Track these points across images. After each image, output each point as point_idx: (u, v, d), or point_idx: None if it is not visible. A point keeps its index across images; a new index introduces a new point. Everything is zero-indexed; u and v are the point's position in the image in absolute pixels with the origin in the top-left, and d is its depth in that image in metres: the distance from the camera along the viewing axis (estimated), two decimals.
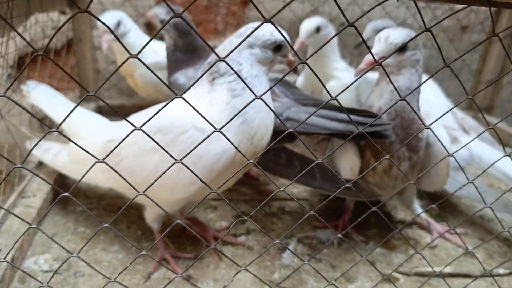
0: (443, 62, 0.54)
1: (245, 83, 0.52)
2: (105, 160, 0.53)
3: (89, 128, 0.96)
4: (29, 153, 0.52)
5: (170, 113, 0.74)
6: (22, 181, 1.06)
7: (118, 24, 1.26)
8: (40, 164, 1.13)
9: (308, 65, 0.49)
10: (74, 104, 1.10)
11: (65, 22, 0.43)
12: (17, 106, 1.13)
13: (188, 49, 1.12)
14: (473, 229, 1.14)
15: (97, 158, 0.51)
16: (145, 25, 1.68)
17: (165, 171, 0.55)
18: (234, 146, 0.57)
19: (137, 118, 0.84)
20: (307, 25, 1.28)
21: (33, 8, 1.04)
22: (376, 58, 0.81)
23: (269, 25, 0.79)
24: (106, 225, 0.55)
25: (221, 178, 0.76)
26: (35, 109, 1.26)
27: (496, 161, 0.80)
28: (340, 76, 1.36)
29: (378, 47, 0.85)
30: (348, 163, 0.95)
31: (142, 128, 0.52)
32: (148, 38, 1.40)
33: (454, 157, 0.61)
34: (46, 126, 0.48)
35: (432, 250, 1.05)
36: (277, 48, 0.78)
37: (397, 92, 0.58)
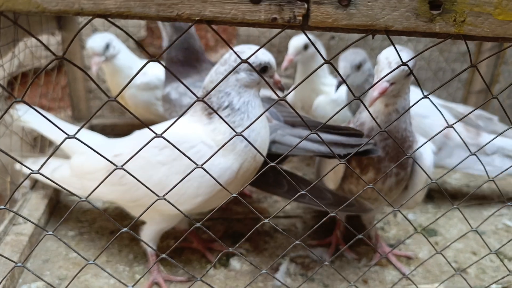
0: (432, 74, 0.54)
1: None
2: (111, 174, 0.55)
3: (90, 143, 0.96)
4: (27, 177, 0.52)
5: (178, 130, 0.78)
6: (13, 207, 1.06)
7: (107, 47, 1.26)
8: (33, 187, 1.13)
9: (286, 102, 0.50)
10: (66, 123, 1.11)
11: (44, 67, 0.44)
12: (5, 129, 1.13)
13: (185, 54, 1.12)
14: (466, 244, 1.14)
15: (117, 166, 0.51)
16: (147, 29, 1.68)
17: (183, 177, 0.58)
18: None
19: (143, 134, 0.88)
20: (295, 42, 1.29)
21: (21, 34, 1.04)
22: (388, 84, 0.77)
23: (252, 47, 0.81)
24: (125, 229, 0.55)
25: (223, 193, 0.80)
26: (25, 132, 1.26)
27: None
28: (328, 91, 1.36)
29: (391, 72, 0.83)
30: (330, 174, 0.96)
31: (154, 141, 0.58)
32: (137, 59, 1.41)
33: (436, 183, 0.62)
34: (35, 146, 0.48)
35: (425, 266, 1.05)
36: (263, 70, 0.80)
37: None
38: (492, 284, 0.97)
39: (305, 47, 1.29)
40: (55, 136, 1.06)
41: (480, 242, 1.15)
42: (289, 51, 1.30)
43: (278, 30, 0.44)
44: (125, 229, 0.57)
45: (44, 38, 1.35)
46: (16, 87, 1.33)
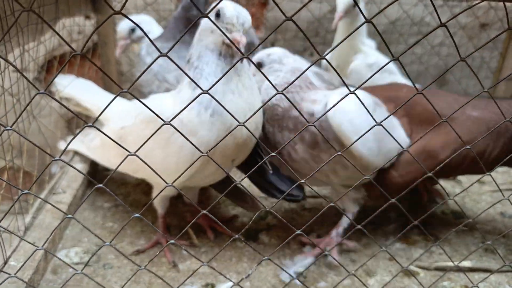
0: (459, 57, 0.55)
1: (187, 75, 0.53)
2: (117, 147, 0.57)
3: (115, 113, 0.97)
4: (66, 146, 0.55)
5: (155, 105, 0.73)
6: (52, 179, 1.10)
7: (133, 30, 1.28)
8: (71, 159, 1.18)
9: (327, 61, 0.51)
10: (106, 92, 1.14)
11: (102, 23, 0.47)
12: (45, 107, 1.18)
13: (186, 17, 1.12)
14: (493, 227, 1.14)
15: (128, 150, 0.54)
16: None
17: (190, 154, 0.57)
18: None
19: (146, 102, 0.87)
20: (345, 0, 1.30)
21: (61, 13, 1.09)
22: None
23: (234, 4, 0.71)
24: (137, 215, 0.58)
25: (209, 167, 0.77)
26: (63, 109, 1.31)
27: None
28: (366, 52, 1.36)
29: None
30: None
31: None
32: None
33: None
34: (82, 121, 0.51)
35: (452, 245, 1.05)
36: (217, 16, 0.70)
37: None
38: None
39: (354, 4, 1.30)
40: (92, 105, 1.09)
41: (508, 225, 1.14)
42: (338, 8, 1.30)
43: None
44: (137, 215, 0.59)
45: (81, 20, 1.40)
46: (54, 64, 1.38)
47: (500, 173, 1.43)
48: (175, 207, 1.13)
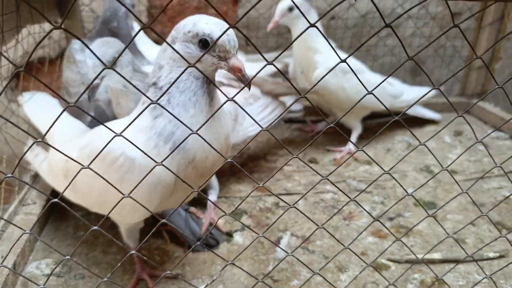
0: (433, 51, 0.56)
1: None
2: (66, 179, 0.52)
3: (65, 137, 0.93)
4: (18, 161, 0.54)
5: (103, 137, 0.64)
6: (22, 189, 1.09)
7: (291, 9, 1.32)
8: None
9: (274, 65, 0.51)
10: (63, 115, 1.12)
11: (42, 39, 0.46)
12: (15, 116, 1.16)
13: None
14: (465, 216, 1.16)
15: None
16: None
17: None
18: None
19: (92, 134, 0.79)
20: (281, 5, 1.32)
21: (24, 21, 1.07)
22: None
23: (200, 15, 0.63)
24: (95, 227, 0.57)
25: (170, 200, 0.71)
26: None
27: None
28: (323, 50, 1.37)
29: None
30: None
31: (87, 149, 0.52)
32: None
33: (435, 157, 0.63)
34: (31, 136, 0.51)
35: (424, 237, 1.07)
36: (204, 44, 0.60)
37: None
38: (487, 251, 0.99)
39: (290, 9, 1.31)
40: (42, 126, 1.04)
41: (479, 214, 1.16)
42: (275, 13, 1.33)
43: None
44: (95, 227, 0.57)
45: (46, 26, 1.38)
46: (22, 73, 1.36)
47: (473, 162, 1.46)
48: None
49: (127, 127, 0.50)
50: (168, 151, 0.63)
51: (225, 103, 0.51)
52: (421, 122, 1.74)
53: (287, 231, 1.09)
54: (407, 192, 0.65)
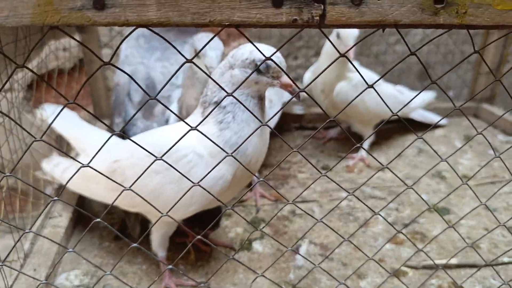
0: (441, 57, 0.59)
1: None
2: (112, 179, 0.58)
3: (95, 145, 0.99)
4: (17, 162, 0.57)
5: (171, 138, 0.72)
6: (46, 202, 1.13)
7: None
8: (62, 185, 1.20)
9: (307, 93, 0.54)
10: (87, 124, 1.16)
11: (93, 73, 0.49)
12: (33, 126, 1.20)
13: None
14: (478, 221, 1.19)
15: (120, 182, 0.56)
16: None
17: (183, 195, 0.60)
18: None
19: (141, 138, 0.87)
20: (352, 32, 1.30)
21: (47, 39, 1.10)
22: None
23: (257, 45, 0.70)
24: (135, 244, 0.61)
25: (221, 197, 0.78)
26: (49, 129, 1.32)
27: None
28: (351, 77, 1.41)
29: None
30: None
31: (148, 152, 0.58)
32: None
33: (446, 161, 0.66)
34: (55, 148, 0.54)
35: (439, 242, 1.10)
36: (259, 68, 0.71)
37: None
38: (502, 256, 1.01)
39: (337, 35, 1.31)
40: (73, 137, 1.09)
41: (492, 219, 1.19)
42: (349, 41, 1.29)
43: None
44: (134, 244, 0.62)
45: (66, 40, 1.41)
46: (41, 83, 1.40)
47: (484, 167, 1.48)
48: None
49: (201, 121, 0.60)
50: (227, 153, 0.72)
51: (260, 126, 0.55)
52: (435, 127, 1.77)
53: (305, 238, 1.11)
54: (429, 206, 0.68)
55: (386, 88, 1.51)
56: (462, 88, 1.97)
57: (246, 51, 0.72)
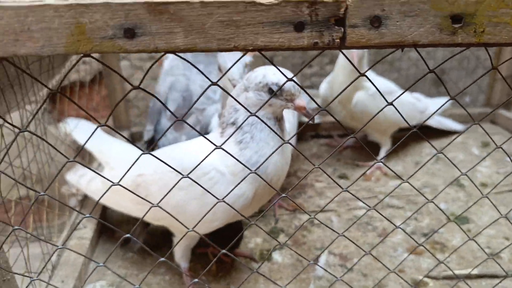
0: (456, 63, 0.60)
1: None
2: (135, 193, 0.60)
3: (119, 158, 1.03)
4: (53, 179, 0.60)
5: (193, 155, 0.80)
6: (72, 213, 1.16)
7: None
8: (86, 196, 1.23)
9: (328, 112, 0.56)
10: (110, 137, 1.20)
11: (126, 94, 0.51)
12: (55, 138, 1.23)
13: None
14: (498, 230, 1.18)
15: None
16: None
17: (208, 211, 0.62)
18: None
19: (164, 153, 0.89)
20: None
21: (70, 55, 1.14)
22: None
23: (268, 67, 0.77)
24: (163, 259, 0.63)
25: (245, 212, 0.81)
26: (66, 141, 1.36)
27: None
28: (368, 86, 1.42)
29: None
30: None
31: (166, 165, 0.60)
32: None
33: (466, 175, 0.67)
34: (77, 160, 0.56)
35: (459, 252, 1.09)
36: (271, 91, 0.73)
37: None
38: None
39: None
40: (96, 150, 1.12)
41: None
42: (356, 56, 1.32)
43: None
44: (162, 259, 0.63)
45: None
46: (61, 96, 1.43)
47: (502, 174, 1.47)
48: None
49: (227, 139, 0.61)
50: (253, 174, 0.71)
51: (282, 144, 0.57)
52: (448, 133, 1.76)
53: (323, 248, 1.12)
54: (449, 218, 0.68)
55: (403, 96, 1.52)
56: (478, 94, 1.96)
57: (260, 74, 0.74)
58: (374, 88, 1.38)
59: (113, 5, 0.43)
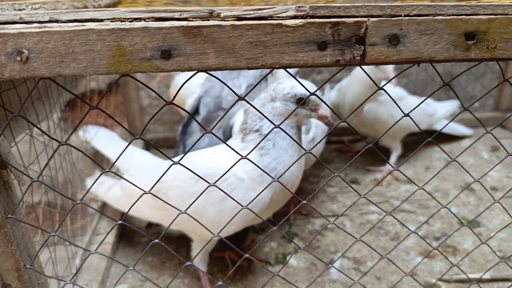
0: (465, 67, 0.62)
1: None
2: (154, 198, 0.64)
3: (139, 166, 1.07)
4: (88, 189, 0.62)
5: (212, 162, 0.85)
6: (93, 220, 1.19)
7: None
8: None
9: (348, 124, 0.59)
10: (125, 143, 1.23)
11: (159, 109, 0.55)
12: (76, 145, 1.28)
13: None
14: (509, 233, 1.20)
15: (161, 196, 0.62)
16: None
17: (234, 217, 0.66)
18: None
19: (186, 161, 0.93)
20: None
21: None
22: None
23: (294, 80, 0.81)
24: (189, 263, 0.66)
25: (256, 219, 0.87)
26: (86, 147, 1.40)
27: None
28: (382, 99, 1.44)
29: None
30: None
31: (186, 172, 0.63)
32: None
33: (478, 181, 0.69)
34: (100, 166, 0.59)
35: (470, 255, 1.12)
36: (299, 101, 0.79)
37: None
38: None
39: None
40: (114, 155, 1.17)
41: None
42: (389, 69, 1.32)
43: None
44: (188, 263, 0.67)
45: None
46: (75, 103, 1.48)
47: None
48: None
49: (253, 149, 0.62)
50: (270, 179, 0.75)
51: (303, 155, 0.60)
52: (458, 138, 1.78)
53: (338, 252, 1.15)
54: (462, 223, 0.71)
55: (413, 101, 1.54)
56: (487, 98, 1.98)
57: (288, 86, 0.80)
58: (385, 96, 1.42)
59: (151, 29, 0.46)
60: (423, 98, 1.65)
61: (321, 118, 0.81)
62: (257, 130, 0.82)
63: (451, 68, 1.94)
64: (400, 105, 1.44)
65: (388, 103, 1.43)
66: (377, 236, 1.22)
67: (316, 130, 1.14)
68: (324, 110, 0.81)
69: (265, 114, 0.79)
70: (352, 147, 1.75)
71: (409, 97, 1.56)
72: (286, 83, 0.80)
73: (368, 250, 1.15)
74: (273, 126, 0.78)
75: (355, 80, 1.46)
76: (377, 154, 1.70)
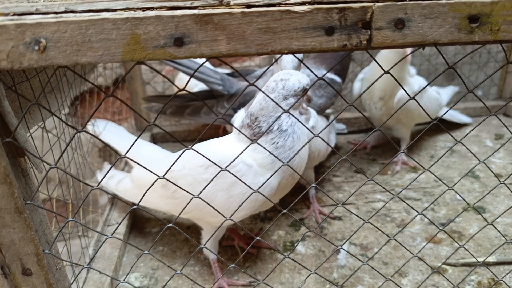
0: (468, 57, 0.64)
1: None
2: (164, 187, 0.65)
3: (148, 158, 1.09)
4: (102, 178, 0.64)
5: (221, 150, 0.89)
6: (104, 211, 1.22)
7: None
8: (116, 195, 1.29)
9: (356, 108, 0.60)
10: (135, 137, 1.25)
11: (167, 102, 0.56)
12: (77, 140, 1.29)
13: None
14: None
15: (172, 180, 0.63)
16: None
17: (244, 200, 0.67)
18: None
19: (191, 151, 0.96)
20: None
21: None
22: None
23: (294, 73, 0.89)
24: (202, 246, 0.68)
25: (264, 205, 0.90)
26: (96, 140, 1.42)
27: None
28: (411, 83, 1.45)
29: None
30: None
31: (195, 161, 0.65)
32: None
33: (484, 163, 0.71)
34: (115, 152, 0.61)
35: (476, 240, 1.13)
36: (305, 91, 0.87)
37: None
38: None
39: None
40: (123, 148, 1.18)
41: None
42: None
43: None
44: (202, 246, 0.69)
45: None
46: (81, 99, 1.49)
47: None
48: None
49: (261, 135, 0.73)
50: (280, 164, 0.82)
51: (313, 137, 0.61)
52: (461, 126, 1.79)
53: (344, 239, 1.17)
54: (469, 204, 0.72)
55: (431, 91, 1.56)
56: (490, 87, 1.98)
57: (295, 81, 0.86)
58: (417, 86, 1.44)
59: (164, 17, 0.48)
60: (435, 88, 1.67)
61: (308, 99, 0.99)
62: (277, 129, 0.87)
63: (453, 58, 1.94)
64: (424, 95, 1.50)
65: (418, 95, 1.44)
66: (383, 223, 1.24)
67: (315, 119, 1.16)
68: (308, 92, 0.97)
69: (279, 112, 0.85)
70: (365, 144, 1.74)
71: (429, 89, 1.57)
72: (291, 79, 0.86)
73: (375, 237, 1.16)
74: (290, 120, 0.87)
75: (383, 66, 1.46)
76: (382, 147, 1.72)
